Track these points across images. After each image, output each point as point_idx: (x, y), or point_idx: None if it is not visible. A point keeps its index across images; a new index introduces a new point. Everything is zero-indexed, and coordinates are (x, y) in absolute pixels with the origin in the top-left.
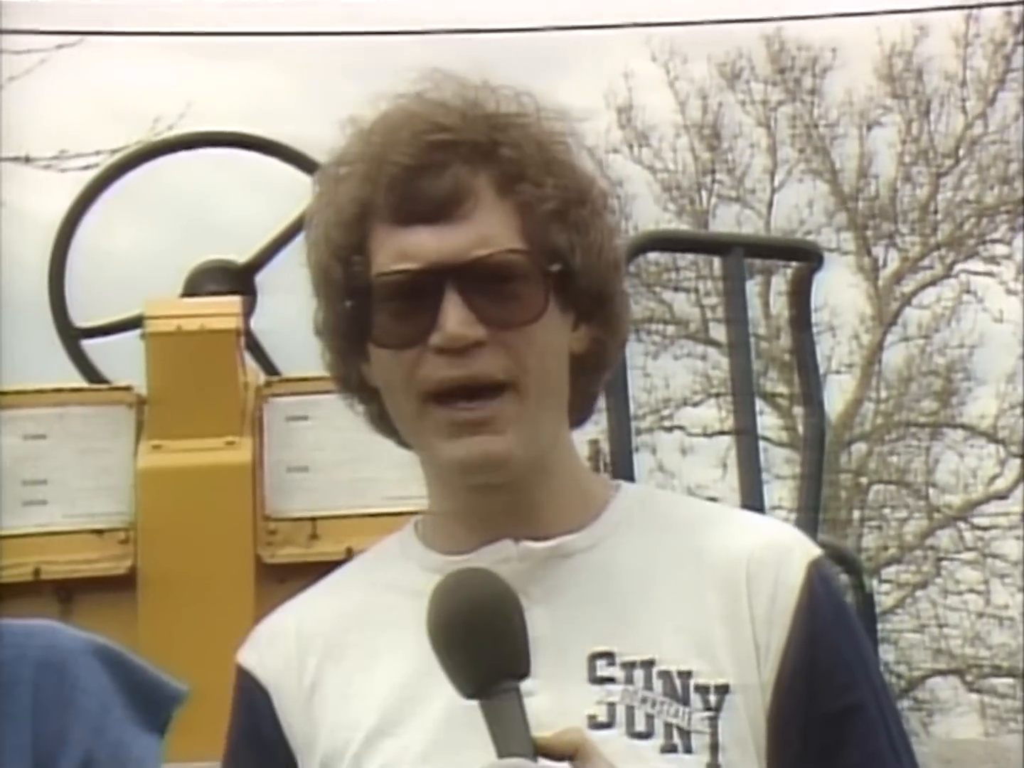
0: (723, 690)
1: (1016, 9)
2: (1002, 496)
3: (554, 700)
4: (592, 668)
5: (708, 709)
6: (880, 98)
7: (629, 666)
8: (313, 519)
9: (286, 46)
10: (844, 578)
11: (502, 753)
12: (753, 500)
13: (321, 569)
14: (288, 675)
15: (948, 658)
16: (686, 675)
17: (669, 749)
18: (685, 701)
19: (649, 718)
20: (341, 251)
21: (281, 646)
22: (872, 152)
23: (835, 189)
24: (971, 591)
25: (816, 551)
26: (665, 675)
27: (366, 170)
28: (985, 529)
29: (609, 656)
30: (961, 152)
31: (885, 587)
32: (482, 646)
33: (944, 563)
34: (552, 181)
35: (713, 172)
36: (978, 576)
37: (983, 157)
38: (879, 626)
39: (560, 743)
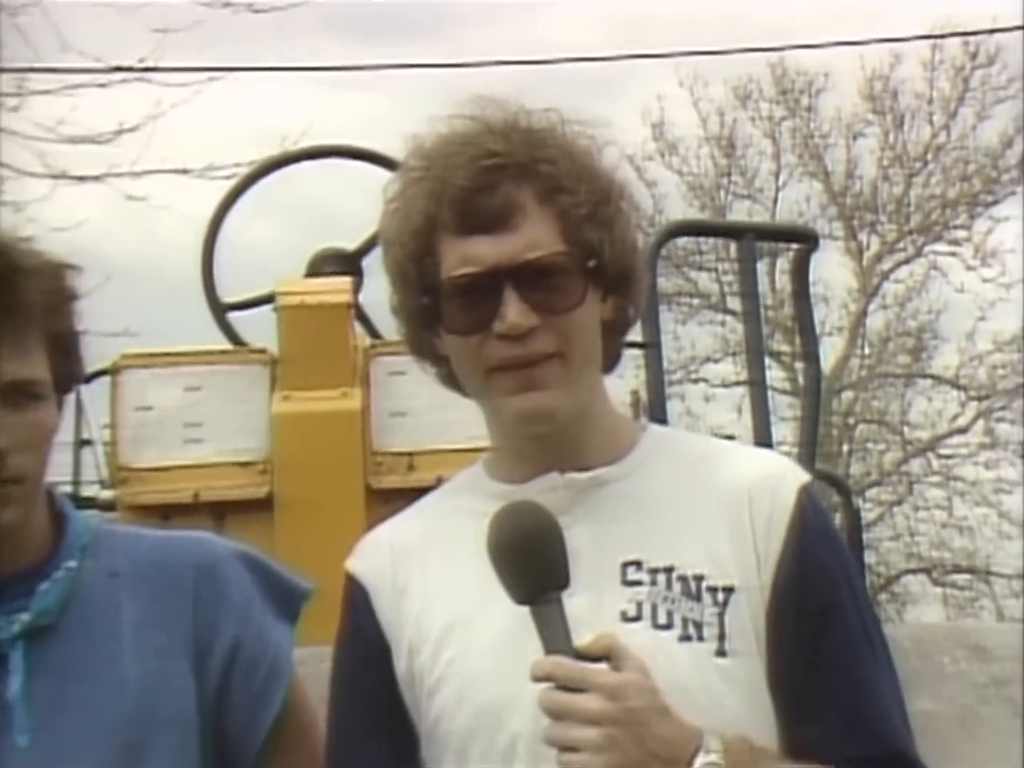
0: (729, 590)
1: (972, 39)
2: (962, 431)
3: (592, 599)
4: (624, 573)
5: (716, 605)
6: (863, 114)
7: (653, 571)
8: (410, 454)
9: (388, 78)
10: (836, 498)
11: (548, 651)
12: (763, 438)
13: (417, 493)
14: (383, 578)
15: (917, 560)
16: (699, 578)
17: (685, 638)
18: (698, 599)
19: (669, 613)
20: (415, 254)
21: (378, 555)
22: (857, 157)
23: (827, 187)
24: (937, 507)
25: (805, 478)
26: (682, 578)
27: (431, 187)
28: (948, 457)
29: (638, 564)
30: (929, 156)
31: (868, 505)
32: (529, 564)
33: (915, 485)
34: (584, 188)
35: (729, 174)
36: (942, 494)
37: (947, 160)
38: (863, 535)
39: (597, 646)
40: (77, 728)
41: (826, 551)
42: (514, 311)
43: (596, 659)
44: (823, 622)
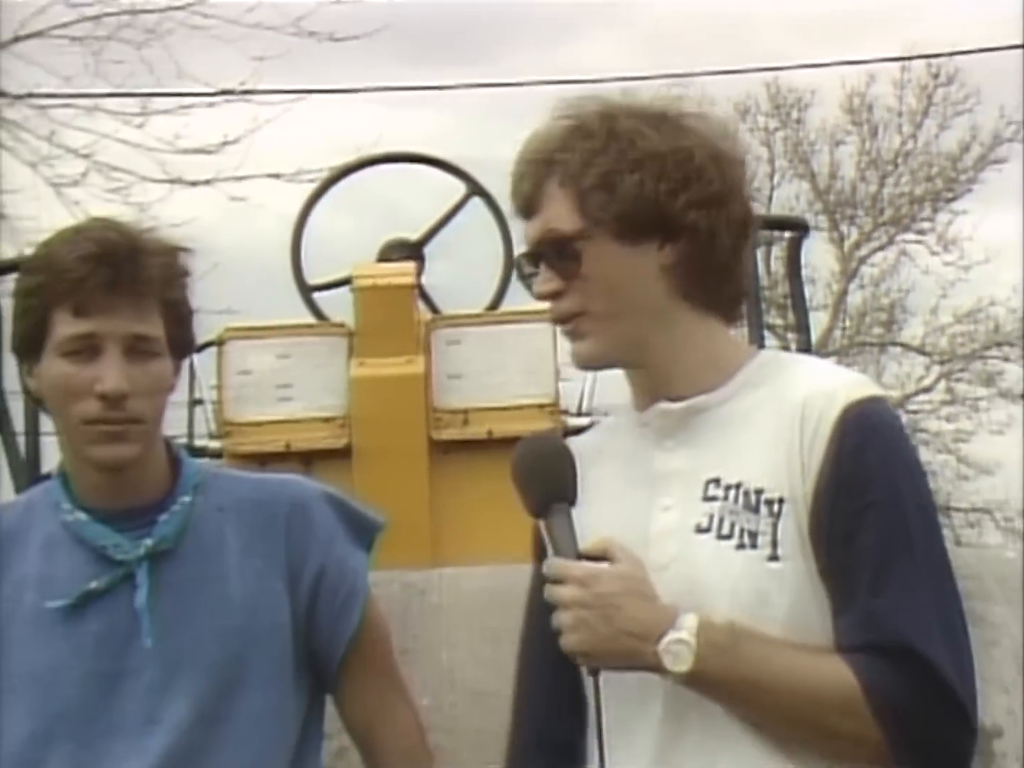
0: (781, 502)
1: (935, 62)
2: (927, 390)
3: (680, 513)
4: (706, 490)
5: (771, 516)
6: (844, 125)
7: (727, 488)
8: (465, 411)
9: (443, 97)
10: None
11: (555, 554)
12: None
13: (471, 444)
14: None
15: None
16: (759, 492)
17: (740, 546)
18: (756, 511)
19: (732, 524)
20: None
21: None
22: (838, 161)
23: (814, 187)
24: None
25: (857, 395)
26: (746, 493)
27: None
28: (915, 412)
29: (717, 481)
30: (899, 160)
31: None
32: (535, 482)
33: None
34: (597, 164)
35: None
36: (937, 461)
37: (914, 164)
38: None
39: (595, 548)
40: (191, 637)
41: (863, 459)
42: (539, 280)
43: (597, 558)
44: (856, 522)
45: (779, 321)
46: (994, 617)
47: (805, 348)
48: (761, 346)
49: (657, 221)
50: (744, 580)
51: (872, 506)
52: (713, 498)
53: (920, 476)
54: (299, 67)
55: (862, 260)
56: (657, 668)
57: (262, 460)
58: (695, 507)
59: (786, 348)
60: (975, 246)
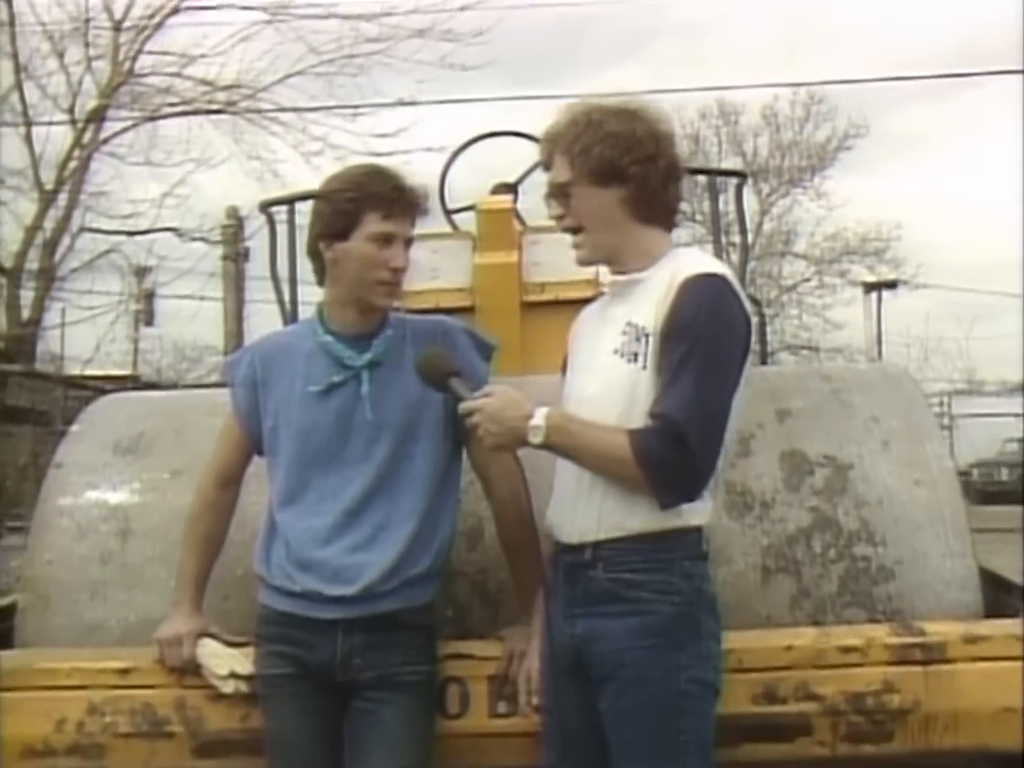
0: (650, 335)
1: (811, 88)
2: (808, 280)
3: (611, 342)
4: (624, 328)
5: (646, 344)
6: (761, 124)
7: (631, 326)
8: (543, 284)
9: (534, 102)
10: (753, 306)
11: (461, 400)
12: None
13: (546, 304)
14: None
15: (784, 343)
16: (643, 328)
17: (628, 361)
18: (639, 340)
19: (627, 348)
20: None
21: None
22: (759, 146)
23: (744, 162)
24: (794, 318)
25: (697, 271)
26: (637, 330)
27: None
28: (800, 293)
29: (629, 323)
30: (792, 147)
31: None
32: (433, 372)
33: (784, 307)
34: (580, 141)
35: (695, 154)
36: (796, 312)
37: (800, 149)
38: (767, 330)
39: (481, 392)
40: (389, 409)
41: (686, 308)
42: (551, 209)
43: (486, 395)
44: (671, 345)
45: (725, 238)
46: (853, 400)
47: (744, 253)
48: (717, 252)
49: (614, 173)
50: (627, 380)
51: (681, 337)
52: (624, 333)
53: (720, 323)
54: (444, 86)
55: (771, 204)
56: (528, 443)
57: (422, 312)
58: (617, 338)
59: (729, 254)
60: (836, 196)
